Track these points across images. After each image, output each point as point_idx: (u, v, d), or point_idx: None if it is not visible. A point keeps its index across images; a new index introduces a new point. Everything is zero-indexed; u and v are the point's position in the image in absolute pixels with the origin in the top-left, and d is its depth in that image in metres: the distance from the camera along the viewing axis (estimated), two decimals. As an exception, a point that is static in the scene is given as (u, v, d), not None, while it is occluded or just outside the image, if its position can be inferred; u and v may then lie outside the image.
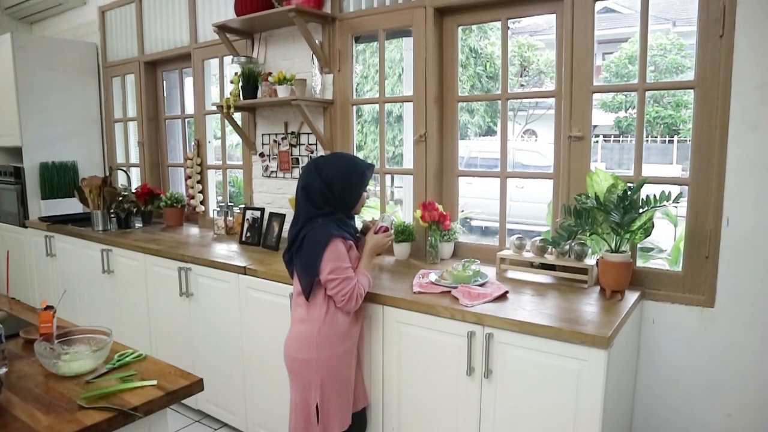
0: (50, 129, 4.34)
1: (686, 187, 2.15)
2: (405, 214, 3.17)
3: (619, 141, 11.25)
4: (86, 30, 4.64)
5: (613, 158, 10.87)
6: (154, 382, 1.48)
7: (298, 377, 2.09)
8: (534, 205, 6.78)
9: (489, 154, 8.67)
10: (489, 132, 11.48)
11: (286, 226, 3.01)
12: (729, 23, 1.96)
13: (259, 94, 3.13)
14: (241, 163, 3.64)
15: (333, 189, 2.06)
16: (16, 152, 4.31)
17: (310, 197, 2.07)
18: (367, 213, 4.01)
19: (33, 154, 4.26)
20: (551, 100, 2.50)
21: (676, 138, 10.23)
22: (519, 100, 11.51)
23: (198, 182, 3.89)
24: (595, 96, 2.34)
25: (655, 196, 2.02)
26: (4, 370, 1.56)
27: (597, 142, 10.37)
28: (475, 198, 7.13)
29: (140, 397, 1.41)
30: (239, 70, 3.15)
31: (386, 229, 2.23)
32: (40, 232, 4.07)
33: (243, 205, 3.41)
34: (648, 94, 2.32)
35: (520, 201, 6.74)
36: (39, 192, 4.31)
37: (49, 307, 1.80)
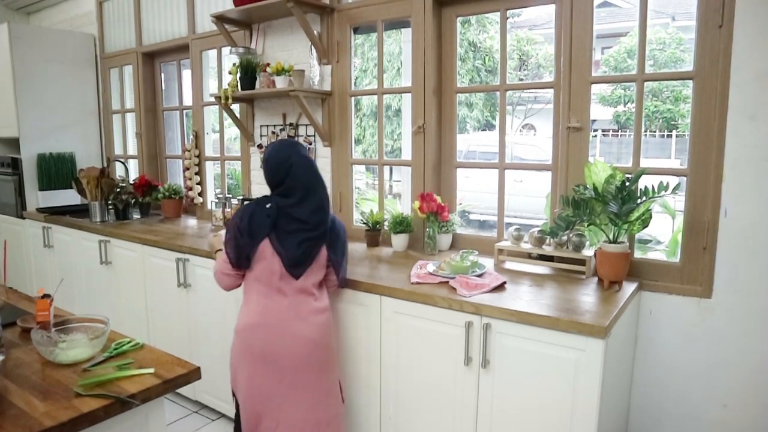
0: (48, 120, 4.33)
1: (684, 178, 2.15)
2: (404, 206, 3.17)
3: (617, 135, 11.23)
4: (83, 21, 4.62)
5: (611, 152, 10.85)
6: (152, 370, 1.48)
7: (326, 365, 2.12)
8: (532, 199, 6.77)
9: (487, 148, 8.64)
10: (487, 126, 11.45)
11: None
12: (728, 13, 1.95)
13: (257, 85, 3.12)
14: (239, 155, 3.63)
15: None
16: (14, 143, 4.30)
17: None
18: (365, 205, 4.01)
19: (30, 145, 4.26)
20: (549, 95, 2.50)
21: (674, 132, 10.21)
22: (518, 95, 11.48)
23: (196, 174, 3.88)
24: (594, 90, 2.34)
25: (653, 186, 2.02)
26: (1, 357, 1.55)
27: (595, 136, 10.35)
28: (472, 192, 7.12)
29: (137, 385, 1.41)
30: (237, 61, 3.14)
31: None
32: (37, 223, 4.07)
33: (241, 197, 3.41)
34: (646, 88, 2.31)
35: (518, 195, 6.74)
36: (36, 183, 4.30)
37: (46, 296, 1.79)
